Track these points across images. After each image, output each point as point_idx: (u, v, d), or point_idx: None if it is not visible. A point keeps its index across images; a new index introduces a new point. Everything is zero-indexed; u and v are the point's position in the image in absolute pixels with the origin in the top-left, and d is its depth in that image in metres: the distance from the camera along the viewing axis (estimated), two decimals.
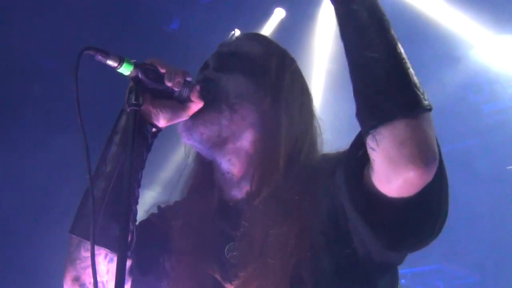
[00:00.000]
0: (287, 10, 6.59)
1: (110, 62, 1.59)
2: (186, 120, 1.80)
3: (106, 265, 1.67)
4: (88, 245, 1.62)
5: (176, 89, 1.71)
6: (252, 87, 1.87)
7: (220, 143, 1.82)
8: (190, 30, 6.31)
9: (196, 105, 1.76)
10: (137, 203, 1.75)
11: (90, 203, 1.57)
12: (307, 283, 1.64)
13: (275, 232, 1.70)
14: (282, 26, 6.54)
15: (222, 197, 1.89)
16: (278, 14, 6.61)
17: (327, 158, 1.87)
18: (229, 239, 1.82)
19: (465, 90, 6.44)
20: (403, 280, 6.28)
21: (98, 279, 1.56)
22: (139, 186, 1.73)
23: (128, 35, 5.84)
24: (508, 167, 6.38)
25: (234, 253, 1.78)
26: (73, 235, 1.70)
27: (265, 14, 6.64)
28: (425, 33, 6.06)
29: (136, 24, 5.94)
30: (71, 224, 1.70)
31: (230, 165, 1.86)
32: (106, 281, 1.67)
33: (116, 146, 1.70)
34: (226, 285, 1.75)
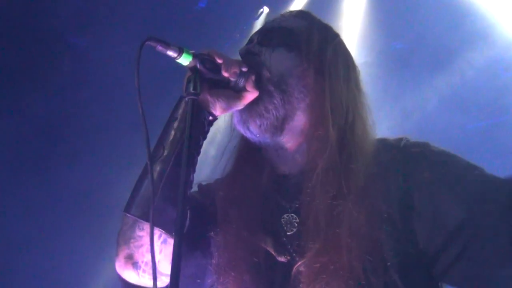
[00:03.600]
0: None
1: (170, 53, 1.63)
2: (241, 113, 1.85)
3: (159, 245, 1.70)
4: (142, 225, 1.70)
5: (232, 79, 1.75)
6: (294, 60, 1.89)
7: (278, 128, 1.84)
8: (217, 8, 6.31)
9: (251, 95, 1.80)
10: (191, 187, 1.78)
11: (147, 185, 1.64)
12: (381, 252, 1.65)
13: (341, 204, 1.71)
14: (311, 3, 6.50)
15: (273, 171, 1.92)
16: None
17: (388, 144, 1.86)
18: (283, 210, 1.84)
19: (496, 66, 6.36)
20: None
21: (148, 259, 1.60)
22: (194, 171, 1.76)
23: (156, 13, 5.85)
24: None
25: (294, 226, 1.80)
26: (127, 214, 1.72)
27: None
28: (456, 10, 5.98)
29: (165, 2, 5.95)
30: (126, 203, 1.73)
31: (284, 142, 1.89)
32: (159, 261, 1.69)
33: (174, 131, 1.74)
34: (279, 258, 1.78)
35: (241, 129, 1.87)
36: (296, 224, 1.81)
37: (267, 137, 1.85)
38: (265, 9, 6.75)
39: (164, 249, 1.70)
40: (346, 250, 1.63)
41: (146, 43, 1.59)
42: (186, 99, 1.63)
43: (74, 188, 5.60)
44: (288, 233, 1.81)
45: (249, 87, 1.78)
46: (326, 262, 1.64)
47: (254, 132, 1.84)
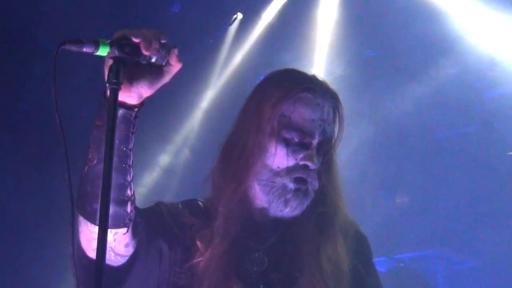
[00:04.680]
0: None
1: (87, 49, 1.57)
2: (292, 201, 1.96)
3: (112, 235, 1.76)
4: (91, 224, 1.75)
5: (154, 56, 1.66)
6: (327, 165, 2.09)
7: None
8: (191, 14, 6.30)
9: (175, 68, 1.73)
10: (131, 180, 1.78)
11: (87, 187, 1.73)
12: None
13: (321, 254, 1.98)
14: (285, 9, 6.52)
15: (246, 207, 2.03)
16: None
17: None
18: (250, 250, 1.98)
19: (466, 75, 6.42)
20: (401, 264, 6.31)
21: (108, 246, 1.58)
22: (130, 166, 1.77)
23: (129, 17, 5.83)
24: (508, 153, 6.38)
25: (263, 266, 1.97)
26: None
27: None
28: (428, 19, 6.03)
29: (137, 6, 5.93)
30: (76, 199, 1.74)
31: None
32: (114, 246, 1.79)
33: (100, 133, 1.69)
34: None
35: (279, 205, 1.99)
36: (265, 265, 1.97)
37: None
38: (239, 15, 6.75)
39: (116, 237, 1.78)
40: None
41: (61, 48, 1.54)
42: (109, 89, 1.59)
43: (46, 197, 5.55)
44: (255, 269, 1.96)
45: (173, 61, 1.71)
46: None
47: (287, 213, 2.00)
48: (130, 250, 1.83)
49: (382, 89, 6.50)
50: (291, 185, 1.95)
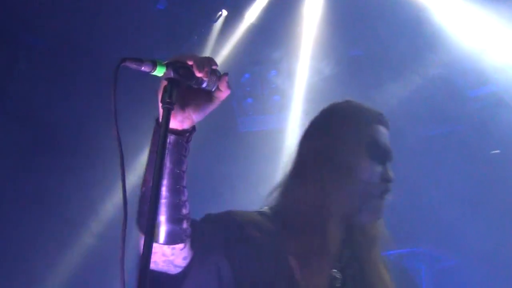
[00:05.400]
0: None
1: (145, 68, 1.65)
2: (380, 208, 2.28)
3: (170, 250, 1.90)
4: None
5: (205, 79, 1.76)
6: None
7: None
8: (176, 11, 6.28)
9: (224, 94, 1.83)
10: (186, 199, 1.90)
11: (144, 206, 1.82)
12: None
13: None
14: (270, 7, 6.52)
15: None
16: None
17: None
18: (332, 266, 2.23)
19: (450, 75, 6.45)
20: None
21: (164, 258, 1.88)
22: (185, 187, 1.89)
23: (114, 14, 5.80)
24: (492, 152, 6.43)
25: (338, 282, 2.23)
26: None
27: None
28: (413, 17, 6.05)
29: (122, 3, 5.90)
30: (136, 217, 1.87)
31: None
32: (173, 259, 1.93)
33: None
34: None
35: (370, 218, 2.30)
36: (343, 281, 2.25)
37: None
38: (224, 12, 6.74)
39: (173, 252, 1.91)
40: None
41: (122, 65, 1.61)
42: (162, 108, 1.69)
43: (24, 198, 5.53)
44: (337, 286, 2.23)
45: (223, 86, 1.81)
46: None
47: (374, 218, 2.33)
48: (187, 262, 1.97)
49: (369, 87, 6.51)
50: (379, 195, 2.25)
